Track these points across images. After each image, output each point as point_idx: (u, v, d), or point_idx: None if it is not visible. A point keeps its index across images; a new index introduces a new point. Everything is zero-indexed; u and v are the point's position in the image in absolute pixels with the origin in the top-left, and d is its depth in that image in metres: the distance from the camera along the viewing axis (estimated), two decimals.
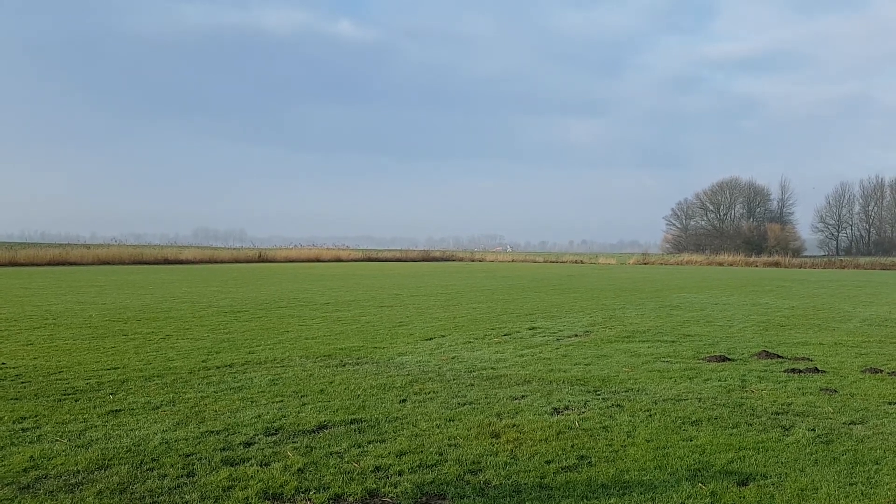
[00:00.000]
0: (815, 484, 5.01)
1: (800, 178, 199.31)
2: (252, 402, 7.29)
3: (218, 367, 9.21)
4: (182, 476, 5.06)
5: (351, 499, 4.72)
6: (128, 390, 7.79)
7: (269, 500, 4.68)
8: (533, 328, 13.87)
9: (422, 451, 5.66)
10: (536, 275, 39.40)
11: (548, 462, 5.43)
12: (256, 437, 6.00)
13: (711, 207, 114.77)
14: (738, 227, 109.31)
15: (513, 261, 73.47)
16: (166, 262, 50.34)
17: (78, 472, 5.11)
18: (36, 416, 6.59)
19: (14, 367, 9.04)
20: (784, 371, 9.28)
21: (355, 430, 6.25)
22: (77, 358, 9.81)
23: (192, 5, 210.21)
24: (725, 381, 8.63)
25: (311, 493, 4.78)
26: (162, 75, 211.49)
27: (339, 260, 64.00)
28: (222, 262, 54.74)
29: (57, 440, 5.86)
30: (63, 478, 5.00)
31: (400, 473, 5.17)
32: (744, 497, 4.76)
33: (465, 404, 7.25)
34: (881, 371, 9.33)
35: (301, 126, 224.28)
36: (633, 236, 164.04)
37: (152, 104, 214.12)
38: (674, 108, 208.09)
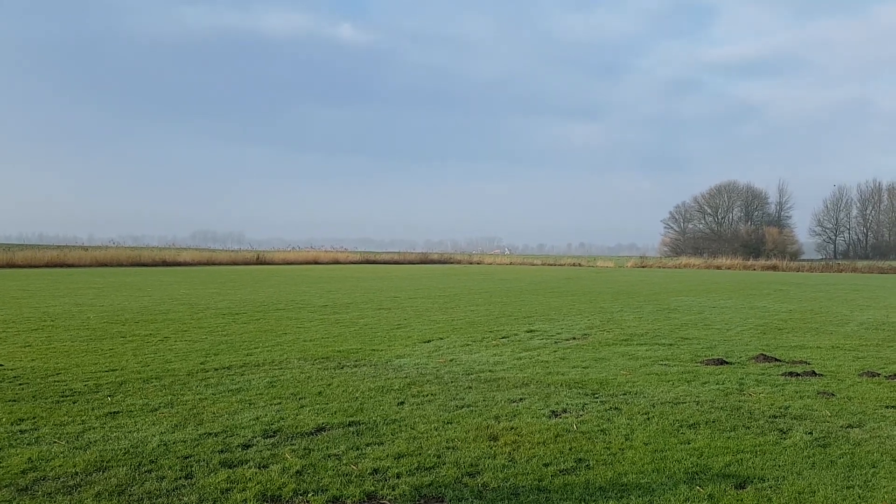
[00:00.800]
0: (812, 487, 5.02)
1: (798, 182, 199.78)
2: (250, 404, 7.29)
3: (216, 369, 9.21)
4: (180, 478, 5.06)
5: (349, 501, 4.72)
6: (126, 392, 7.79)
7: (267, 502, 4.68)
8: (531, 331, 13.88)
9: (420, 454, 5.66)
10: (534, 277, 39.41)
11: (546, 465, 5.43)
12: (255, 439, 6.00)
13: (709, 211, 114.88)
14: (735, 230, 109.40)
15: (511, 263, 73.48)
16: (164, 263, 50.29)
17: (76, 473, 5.11)
18: (34, 418, 6.59)
19: (12, 369, 9.03)
20: (781, 374, 9.29)
21: (353, 433, 6.25)
22: (75, 360, 9.80)
23: (192, 7, 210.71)
24: (723, 384, 8.64)
25: (309, 495, 4.78)
26: (162, 77, 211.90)
27: (337, 262, 63.99)
28: (220, 264, 54.71)
29: (55, 442, 5.85)
30: (61, 479, 4.99)
31: (398, 476, 5.17)
32: (741, 500, 4.77)
33: (462, 407, 7.26)
34: (878, 375, 9.35)
35: (300, 128, 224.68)
36: (631, 239, 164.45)
37: (152, 105, 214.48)
38: (673, 112, 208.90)
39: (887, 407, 7.53)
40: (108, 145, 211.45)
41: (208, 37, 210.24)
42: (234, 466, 5.31)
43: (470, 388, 8.25)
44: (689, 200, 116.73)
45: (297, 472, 5.21)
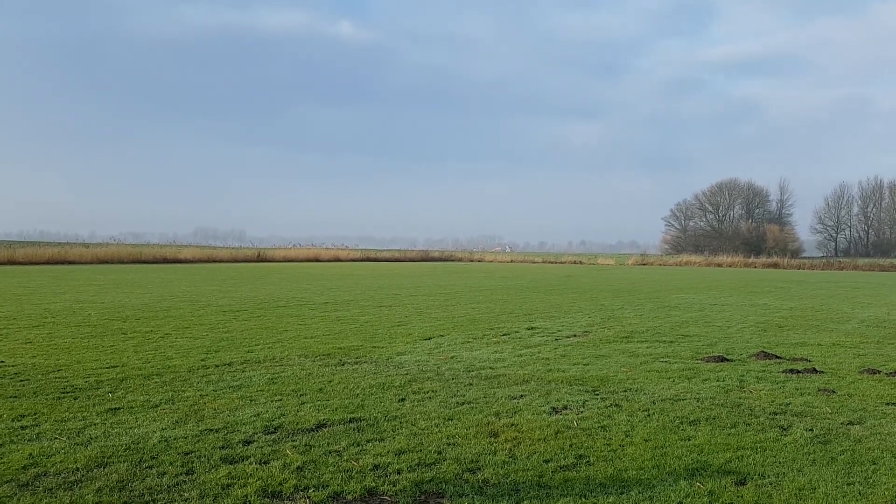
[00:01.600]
0: (812, 484, 5.02)
1: (798, 181, 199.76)
2: (251, 400, 7.30)
3: (217, 366, 9.21)
4: (181, 474, 5.06)
5: (350, 497, 4.73)
6: (127, 388, 7.80)
7: (268, 498, 4.69)
8: (532, 328, 13.88)
9: (420, 450, 5.66)
10: (535, 275, 39.41)
11: (546, 461, 5.44)
12: (255, 436, 6.00)
13: (710, 208, 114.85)
14: (736, 228, 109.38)
15: (512, 261, 73.46)
16: (165, 261, 50.31)
17: (77, 469, 5.12)
18: (35, 414, 6.60)
19: (13, 366, 9.04)
20: (782, 371, 9.29)
21: (354, 429, 6.26)
22: (76, 356, 9.81)
23: (191, 6, 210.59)
24: (724, 381, 8.64)
25: (310, 491, 4.79)
26: (162, 76, 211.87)
27: (337, 260, 63.98)
28: (221, 261, 54.71)
29: (56, 438, 5.86)
30: (62, 475, 5.00)
31: (399, 472, 5.17)
32: (742, 496, 4.77)
33: (463, 403, 7.26)
34: (879, 372, 9.35)
35: (301, 127, 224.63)
36: (631, 237, 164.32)
37: (152, 104, 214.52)
38: (673, 112, 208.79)
39: (888, 404, 7.53)
40: (109, 145, 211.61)
41: (208, 36, 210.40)
42: (235, 462, 5.32)
43: (471, 384, 8.26)
44: (690, 198, 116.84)
45: (298, 468, 5.21)
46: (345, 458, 5.47)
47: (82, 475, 5.01)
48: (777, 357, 10.47)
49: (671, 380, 8.71)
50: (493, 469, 5.25)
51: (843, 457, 5.64)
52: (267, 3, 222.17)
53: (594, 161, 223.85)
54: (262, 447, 5.69)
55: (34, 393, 7.50)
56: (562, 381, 8.50)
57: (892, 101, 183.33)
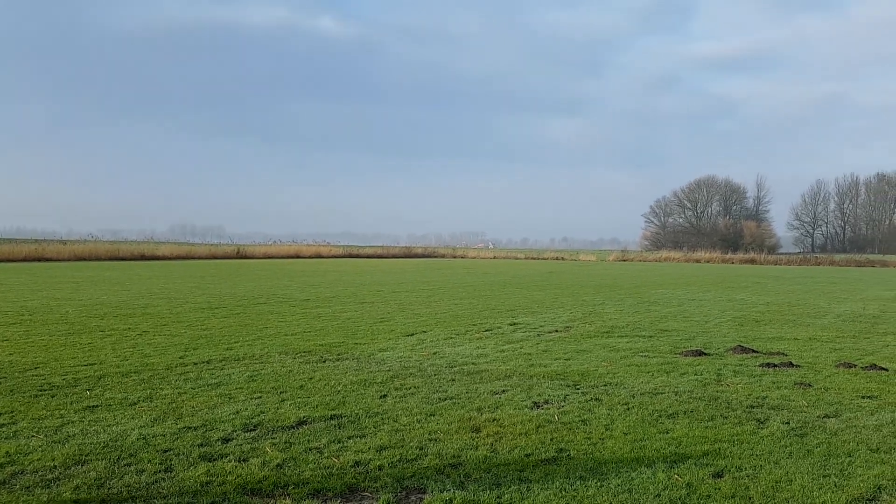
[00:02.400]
0: (789, 476, 5.09)
1: (776, 177, 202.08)
2: (230, 398, 7.25)
3: (195, 364, 9.14)
4: (160, 471, 5.02)
5: (330, 494, 4.72)
6: (105, 386, 7.72)
7: (247, 495, 4.67)
8: (514, 324, 13.93)
9: (402, 446, 5.67)
10: (518, 271, 39.52)
11: (527, 455, 5.46)
12: (235, 433, 5.97)
13: (689, 205, 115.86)
14: (714, 224, 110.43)
15: (494, 258, 73.58)
16: (143, 258, 49.73)
17: (55, 467, 5.06)
18: (12, 412, 6.51)
19: None
20: (759, 365, 9.41)
21: (335, 426, 6.24)
22: (53, 354, 9.69)
23: None
24: (701, 375, 8.73)
25: (290, 488, 4.77)
26: (139, 69, 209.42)
27: (319, 256, 63.66)
28: (200, 258, 54.19)
29: (33, 436, 5.79)
30: (39, 473, 4.94)
31: (380, 468, 5.17)
32: (719, 488, 4.83)
33: (445, 399, 7.27)
34: (855, 366, 9.50)
35: (281, 122, 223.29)
36: (612, 233, 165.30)
37: (129, 98, 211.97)
38: (653, 108, 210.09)
39: (863, 397, 7.65)
40: (86, 139, 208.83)
41: (186, 29, 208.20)
42: (214, 460, 5.29)
43: (453, 380, 8.27)
44: (669, 195, 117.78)
45: (278, 465, 5.19)
46: (325, 455, 5.45)
47: (60, 473, 4.95)
48: (754, 351, 10.60)
49: (650, 374, 8.78)
50: (475, 464, 5.26)
51: (819, 449, 5.73)
52: None
53: (576, 156, 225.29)
54: (241, 445, 5.66)
55: (10, 391, 7.40)
56: (543, 376, 8.55)
57: (870, 97, 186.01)
